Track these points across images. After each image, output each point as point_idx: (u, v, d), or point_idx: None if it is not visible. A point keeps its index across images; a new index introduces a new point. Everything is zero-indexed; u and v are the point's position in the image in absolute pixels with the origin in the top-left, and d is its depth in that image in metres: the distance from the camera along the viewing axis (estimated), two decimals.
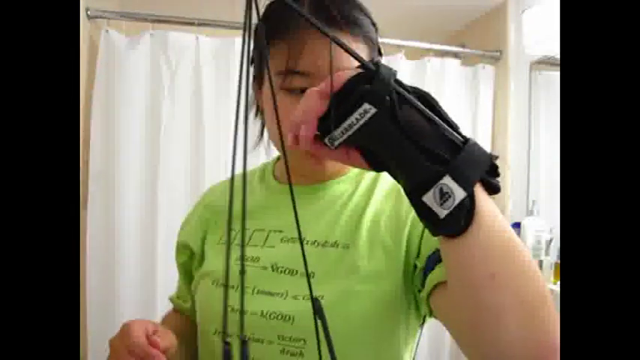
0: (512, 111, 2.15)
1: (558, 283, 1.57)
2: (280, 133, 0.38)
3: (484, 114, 2.20)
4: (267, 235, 0.69)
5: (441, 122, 0.42)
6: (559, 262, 1.60)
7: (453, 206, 0.40)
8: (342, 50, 0.41)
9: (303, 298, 0.61)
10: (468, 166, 0.41)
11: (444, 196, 0.40)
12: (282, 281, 0.63)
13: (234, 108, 1.81)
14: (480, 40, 2.32)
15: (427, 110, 0.42)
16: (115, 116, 1.70)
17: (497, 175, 0.43)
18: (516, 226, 1.84)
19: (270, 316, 0.61)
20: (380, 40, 0.66)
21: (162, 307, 1.74)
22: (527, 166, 2.04)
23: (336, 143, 0.43)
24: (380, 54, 0.67)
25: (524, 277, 0.41)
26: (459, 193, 0.40)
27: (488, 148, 2.02)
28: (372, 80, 0.41)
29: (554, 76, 2.02)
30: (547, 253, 1.73)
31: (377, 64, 0.42)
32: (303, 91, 0.60)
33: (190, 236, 0.76)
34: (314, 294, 0.34)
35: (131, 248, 1.73)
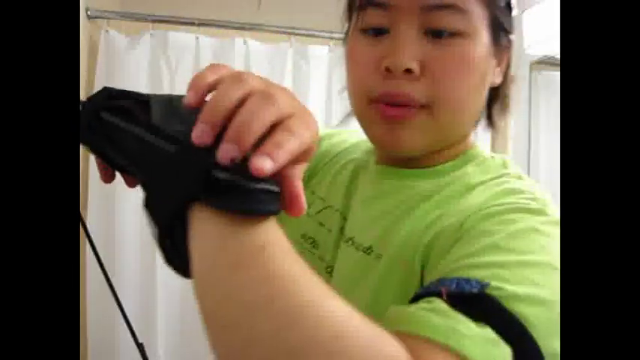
0: (512, 111, 2.15)
1: None
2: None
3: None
4: (331, 222, 0.59)
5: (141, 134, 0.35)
6: None
7: (157, 236, 0.33)
8: None
9: None
10: (166, 186, 0.33)
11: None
12: None
13: None
14: None
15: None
16: None
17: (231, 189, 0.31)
18: None
19: None
20: None
21: (163, 308, 1.75)
22: (527, 166, 2.04)
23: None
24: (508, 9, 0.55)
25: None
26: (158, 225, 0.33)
27: (487, 149, 2.02)
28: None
29: (554, 76, 2.02)
30: None
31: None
32: (378, 31, 0.52)
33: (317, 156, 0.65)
34: None
35: (131, 249, 1.73)
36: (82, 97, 0.40)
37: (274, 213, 0.33)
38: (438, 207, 0.51)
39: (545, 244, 0.43)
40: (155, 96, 0.38)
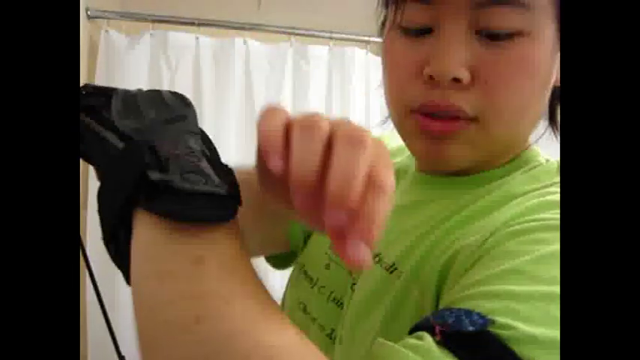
0: None
1: None
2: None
3: None
4: None
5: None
6: None
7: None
8: None
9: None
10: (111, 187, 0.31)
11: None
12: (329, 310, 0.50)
13: (234, 108, 1.82)
14: None
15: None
16: None
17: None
18: None
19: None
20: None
21: None
22: None
23: None
24: None
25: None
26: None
27: None
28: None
29: None
30: None
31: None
32: (423, 31, 0.44)
33: None
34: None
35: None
36: None
37: (219, 220, 0.29)
38: (468, 221, 0.44)
39: None
40: (122, 91, 0.36)
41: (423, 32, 0.44)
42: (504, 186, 0.45)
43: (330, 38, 1.88)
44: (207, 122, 1.78)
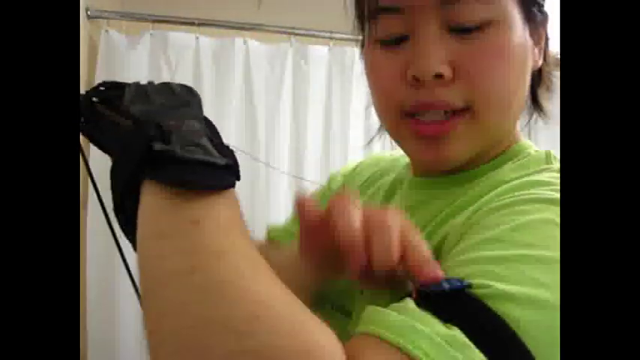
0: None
1: None
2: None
3: None
4: None
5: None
6: None
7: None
8: None
9: None
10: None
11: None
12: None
13: (234, 108, 1.82)
14: None
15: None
16: None
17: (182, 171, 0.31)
18: None
19: None
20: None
21: None
22: None
23: None
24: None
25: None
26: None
27: None
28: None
29: (554, 76, 2.02)
30: None
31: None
32: (399, 40, 0.46)
33: None
34: None
35: (131, 247, 1.73)
36: None
37: (215, 187, 0.32)
38: (458, 211, 0.45)
39: None
40: (134, 83, 0.39)
41: (400, 40, 0.46)
42: (494, 176, 0.47)
43: (330, 38, 1.88)
44: None
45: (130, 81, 0.39)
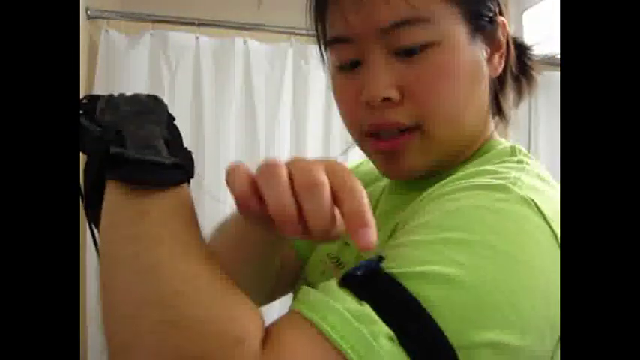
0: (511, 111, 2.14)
1: None
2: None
3: None
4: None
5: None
6: None
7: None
8: None
9: None
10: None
11: None
12: None
13: (234, 108, 1.82)
14: None
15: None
16: None
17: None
18: None
19: None
20: None
21: None
22: None
23: None
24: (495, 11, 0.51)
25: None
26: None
27: None
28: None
29: (555, 76, 2.02)
30: None
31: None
32: (354, 64, 0.50)
33: None
34: None
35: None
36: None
37: (162, 184, 0.36)
38: (415, 206, 0.47)
39: (492, 222, 0.38)
40: (107, 95, 0.43)
41: (355, 65, 0.50)
42: (458, 172, 0.48)
43: None
44: (207, 122, 1.78)
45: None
